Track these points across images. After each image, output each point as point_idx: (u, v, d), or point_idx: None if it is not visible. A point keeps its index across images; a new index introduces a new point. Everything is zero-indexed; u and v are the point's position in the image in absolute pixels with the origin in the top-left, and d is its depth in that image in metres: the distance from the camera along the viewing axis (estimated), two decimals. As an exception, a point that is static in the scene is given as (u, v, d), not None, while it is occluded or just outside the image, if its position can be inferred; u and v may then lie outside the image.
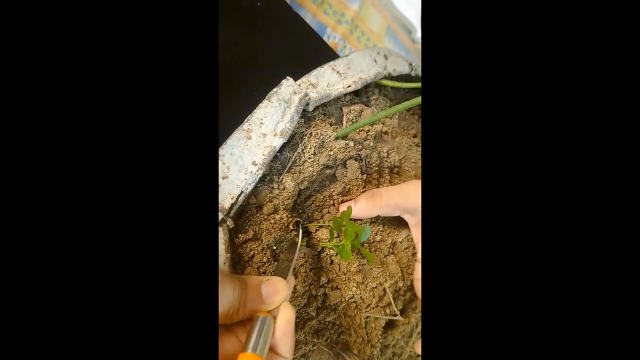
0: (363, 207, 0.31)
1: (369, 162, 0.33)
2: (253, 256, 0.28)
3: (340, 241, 0.31)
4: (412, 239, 0.35)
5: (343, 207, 0.32)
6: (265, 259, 0.28)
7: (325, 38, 0.79)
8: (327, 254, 0.32)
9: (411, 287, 0.36)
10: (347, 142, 0.31)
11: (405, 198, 0.31)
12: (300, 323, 0.30)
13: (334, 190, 0.32)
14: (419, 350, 0.34)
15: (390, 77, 0.36)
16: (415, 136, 0.41)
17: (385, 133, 0.36)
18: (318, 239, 0.32)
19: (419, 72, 0.40)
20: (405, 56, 0.39)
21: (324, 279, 0.30)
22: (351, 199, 0.32)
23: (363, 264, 0.32)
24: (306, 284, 0.30)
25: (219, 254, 0.25)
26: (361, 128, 0.33)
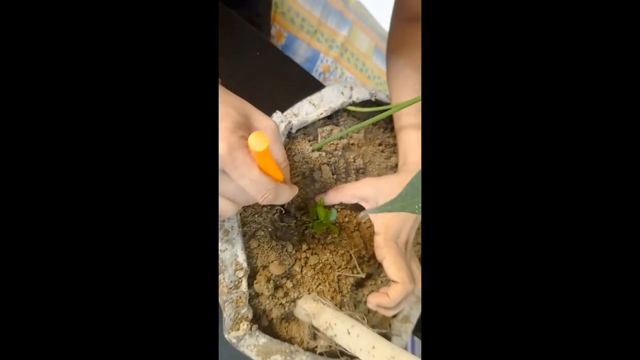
0: (330, 196, 0.45)
1: (337, 166, 0.46)
2: (255, 232, 0.42)
3: (316, 221, 0.45)
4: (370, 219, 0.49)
5: (316, 198, 0.46)
6: (262, 233, 0.42)
7: (319, 62, 0.94)
8: (309, 231, 0.46)
9: (373, 256, 0.49)
10: (320, 153, 0.45)
11: (360, 190, 0.45)
12: (289, 277, 0.44)
13: (313, 187, 0.46)
14: (369, 303, 0.44)
15: (355, 104, 0.50)
16: (380, 144, 0.54)
17: (352, 144, 0.50)
18: (302, 221, 0.46)
19: (379, 97, 0.53)
20: (367, 87, 0.52)
21: (305, 247, 0.44)
22: (323, 193, 0.46)
23: (334, 237, 0.46)
24: (294, 250, 0.44)
25: (235, 227, 0.39)
26: (331, 142, 0.47)
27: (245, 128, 0.32)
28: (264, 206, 0.43)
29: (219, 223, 0.39)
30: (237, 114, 0.32)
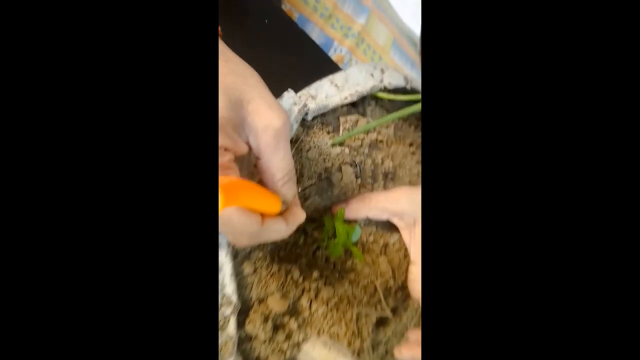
0: (353, 208, 0.33)
1: (362, 167, 0.35)
2: (250, 252, 0.31)
3: (333, 240, 0.34)
4: (403, 241, 0.38)
5: (335, 209, 0.35)
6: (260, 254, 0.31)
7: (332, 51, 0.83)
8: (322, 252, 0.34)
9: (402, 287, 0.38)
10: (342, 148, 0.34)
11: (393, 202, 0.33)
12: (294, 314, 0.32)
13: (329, 194, 0.35)
14: (397, 355, 0.35)
15: (387, 90, 0.39)
16: (411, 145, 0.43)
17: (381, 141, 0.39)
18: (314, 237, 0.35)
19: (415, 85, 0.42)
20: (404, 70, 0.42)
21: (316, 274, 0.33)
22: (344, 203, 0.35)
23: (356, 263, 0.35)
24: (301, 277, 0.32)
25: (223, 246, 0.28)
26: (356, 136, 0.36)
27: (227, 128, 0.21)
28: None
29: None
30: (226, 101, 0.20)
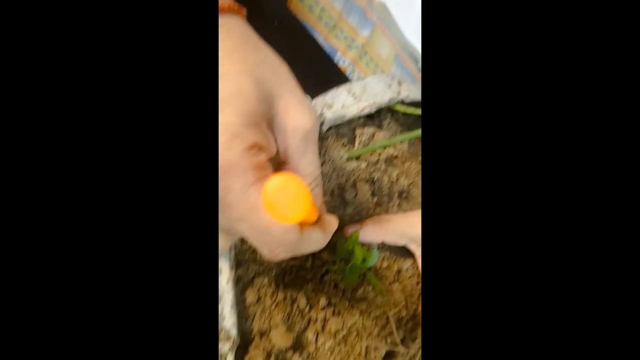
0: (369, 231, 0.30)
1: (380, 185, 0.32)
2: (254, 277, 0.27)
3: (346, 265, 0.30)
4: (417, 267, 0.34)
5: (349, 230, 0.31)
6: (265, 281, 0.27)
7: (335, 62, 0.81)
8: (330, 277, 0.31)
9: (413, 317, 0.35)
10: (358, 163, 0.31)
11: (413, 226, 0.30)
12: (298, 349, 0.29)
13: (342, 212, 0.32)
14: None
15: (404, 103, 0.37)
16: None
17: (396, 157, 0.36)
18: (322, 260, 0.31)
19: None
20: (417, 85, 0.40)
21: (324, 302, 0.29)
22: (358, 223, 0.31)
23: (368, 291, 0.31)
24: (307, 306, 0.29)
25: (224, 271, 0.24)
26: (374, 150, 0.33)
27: (262, 124, 0.18)
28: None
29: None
30: (256, 94, 0.17)
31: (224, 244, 0.20)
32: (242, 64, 0.17)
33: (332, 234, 0.22)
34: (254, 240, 0.18)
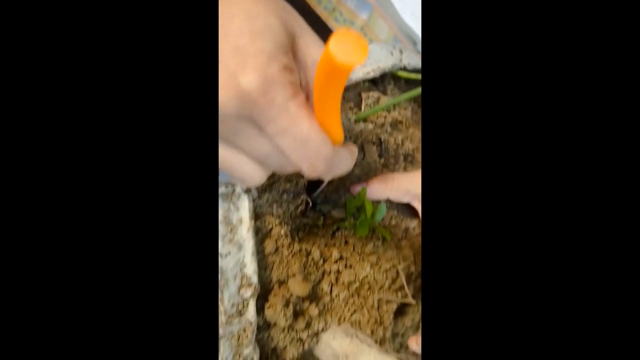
0: (375, 189, 0.32)
1: (386, 146, 0.34)
2: (271, 229, 0.28)
3: (356, 221, 0.32)
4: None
5: (356, 189, 0.33)
6: (282, 232, 0.28)
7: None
8: (341, 233, 0.32)
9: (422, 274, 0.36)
10: (366, 125, 0.33)
11: (417, 184, 0.32)
12: (314, 300, 0.30)
13: (349, 174, 0.33)
14: (412, 346, 0.33)
15: (406, 70, 0.38)
16: (426, 130, 0.42)
17: (400, 122, 0.37)
18: (333, 218, 0.33)
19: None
20: (418, 55, 0.41)
21: (336, 255, 0.31)
22: (364, 182, 0.33)
23: (377, 246, 0.33)
24: (321, 259, 0.30)
25: (245, 221, 0.25)
26: (380, 113, 0.34)
27: (289, 54, 0.20)
28: (284, 192, 0.30)
29: (223, 210, 0.25)
30: (282, 29, 0.19)
31: (259, 176, 0.21)
32: (269, 7, 0.19)
33: (355, 158, 0.23)
34: (294, 154, 0.19)
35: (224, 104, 0.18)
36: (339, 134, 0.21)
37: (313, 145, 0.19)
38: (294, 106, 0.18)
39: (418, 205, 0.34)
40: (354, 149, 0.24)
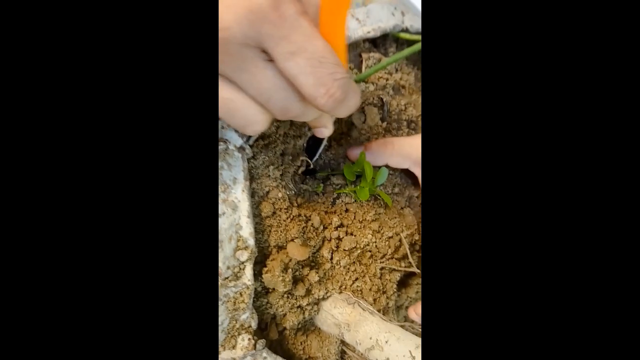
0: (373, 153, 0.30)
1: (389, 108, 0.32)
2: (268, 192, 0.27)
3: (356, 186, 0.31)
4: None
5: (352, 152, 0.31)
6: (279, 195, 0.27)
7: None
8: (342, 201, 0.31)
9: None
10: (366, 86, 0.31)
11: (417, 149, 0.30)
12: (314, 267, 0.29)
13: (349, 139, 0.32)
14: (412, 315, 0.32)
15: (408, 32, 0.36)
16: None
17: (403, 87, 0.36)
18: (333, 186, 0.32)
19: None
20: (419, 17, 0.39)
21: (337, 221, 0.30)
22: (362, 145, 0.32)
23: (379, 213, 0.32)
24: (321, 225, 0.29)
25: (239, 181, 0.24)
26: (381, 76, 0.33)
27: None
28: (282, 154, 0.28)
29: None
30: None
31: (263, 119, 0.20)
32: None
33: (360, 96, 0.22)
34: (309, 76, 0.18)
35: (231, 28, 0.17)
36: (345, 63, 0.20)
37: (330, 65, 0.18)
38: (306, 22, 0.17)
39: (418, 172, 0.33)
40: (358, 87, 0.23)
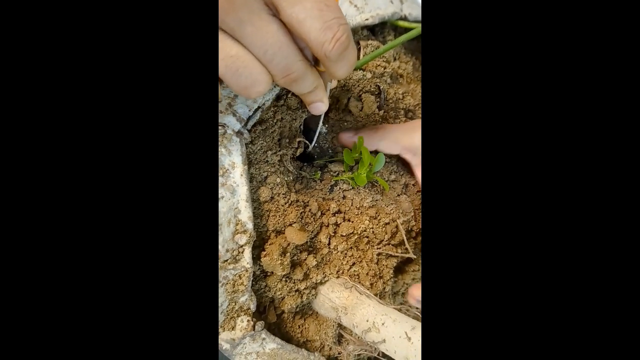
0: (366, 137, 0.30)
1: (386, 96, 0.33)
2: (266, 177, 0.27)
3: (354, 173, 0.31)
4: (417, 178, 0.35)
5: (344, 136, 0.32)
6: (278, 180, 0.27)
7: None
8: (340, 188, 0.32)
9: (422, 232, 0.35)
10: (364, 74, 0.31)
11: (407, 135, 0.31)
12: (312, 251, 0.30)
13: (345, 125, 0.32)
14: (411, 301, 0.32)
15: (406, 20, 0.36)
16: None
17: (401, 76, 0.36)
18: (331, 173, 0.32)
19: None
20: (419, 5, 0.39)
21: (335, 208, 0.30)
22: (352, 130, 0.32)
23: (376, 200, 0.32)
24: (319, 211, 0.30)
25: (238, 165, 0.25)
26: (379, 64, 0.33)
27: None
28: (279, 139, 0.28)
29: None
30: None
31: (265, 80, 0.20)
32: None
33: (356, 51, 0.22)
34: (316, 21, 0.18)
35: None
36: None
37: (335, 9, 0.18)
38: None
39: (409, 157, 0.33)
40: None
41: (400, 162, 0.35)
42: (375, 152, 0.32)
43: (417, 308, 0.33)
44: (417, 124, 0.32)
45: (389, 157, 0.33)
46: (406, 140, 0.31)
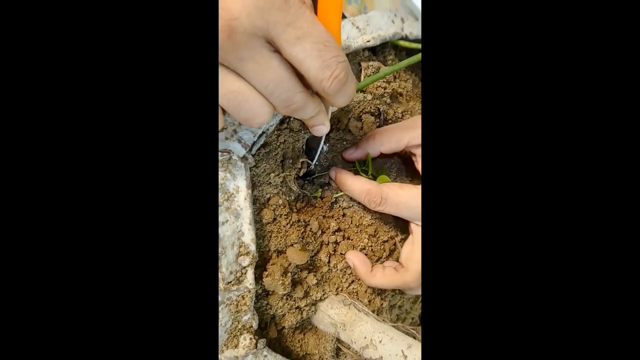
0: (366, 144, 0.31)
1: (385, 117, 0.33)
2: (269, 199, 0.28)
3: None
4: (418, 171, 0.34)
5: (347, 153, 0.32)
6: (280, 201, 0.28)
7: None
8: (339, 206, 0.32)
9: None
10: (364, 95, 0.32)
11: (409, 129, 0.30)
12: (312, 270, 0.30)
13: (345, 144, 0.33)
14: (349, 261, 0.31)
15: (407, 40, 0.37)
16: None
17: (400, 94, 0.37)
18: (331, 190, 0.33)
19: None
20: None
21: (334, 226, 0.31)
22: (353, 146, 0.32)
23: (375, 218, 0.33)
24: (319, 230, 0.30)
25: (242, 189, 0.25)
26: (379, 85, 0.33)
27: None
28: (282, 160, 0.29)
29: (219, 178, 0.25)
30: None
31: (266, 112, 0.21)
32: None
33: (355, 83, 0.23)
34: (316, 59, 0.19)
35: (239, 18, 0.17)
36: (339, 38, 0.22)
37: (334, 49, 0.19)
38: (308, 10, 0.18)
39: (415, 151, 0.32)
40: None
41: (401, 170, 0.35)
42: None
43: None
44: (416, 119, 0.32)
45: (389, 157, 0.34)
46: (409, 135, 0.31)
